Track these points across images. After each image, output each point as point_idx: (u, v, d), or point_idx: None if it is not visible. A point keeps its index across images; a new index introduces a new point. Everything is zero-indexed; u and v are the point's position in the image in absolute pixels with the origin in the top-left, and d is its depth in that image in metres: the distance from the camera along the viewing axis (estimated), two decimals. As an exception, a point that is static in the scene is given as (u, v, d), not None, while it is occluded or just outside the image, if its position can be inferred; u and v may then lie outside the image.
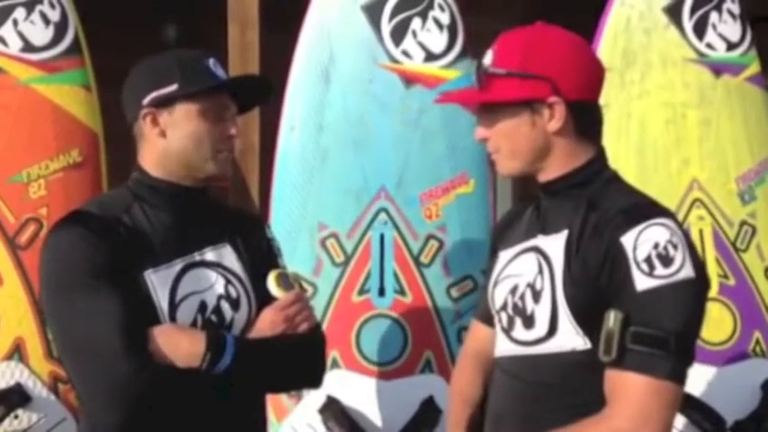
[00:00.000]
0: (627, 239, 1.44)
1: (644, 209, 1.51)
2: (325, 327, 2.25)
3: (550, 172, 1.57)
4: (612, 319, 1.42)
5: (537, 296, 1.51)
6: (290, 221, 2.32)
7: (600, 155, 1.59)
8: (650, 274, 1.42)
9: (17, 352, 2.23)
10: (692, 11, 2.49)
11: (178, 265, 1.64)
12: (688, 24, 2.50)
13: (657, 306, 1.41)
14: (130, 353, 1.53)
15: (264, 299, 1.70)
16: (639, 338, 1.41)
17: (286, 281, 1.70)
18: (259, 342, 1.65)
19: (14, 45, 2.36)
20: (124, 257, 1.60)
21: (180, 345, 1.57)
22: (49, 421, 2.22)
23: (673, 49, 2.48)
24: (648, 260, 1.42)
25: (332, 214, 2.31)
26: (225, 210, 1.80)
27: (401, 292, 2.29)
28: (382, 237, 2.30)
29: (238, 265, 1.70)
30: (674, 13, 2.49)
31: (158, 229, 1.65)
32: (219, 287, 1.66)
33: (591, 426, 1.44)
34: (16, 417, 2.18)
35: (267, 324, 1.66)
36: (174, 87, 1.65)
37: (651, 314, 1.41)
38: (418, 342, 2.28)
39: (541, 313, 1.51)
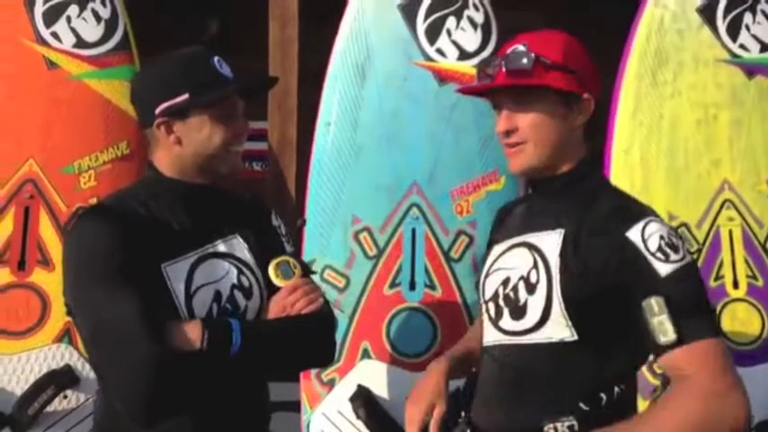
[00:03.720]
0: (633, 235, 1.47)
1: (637, 207, 1.54)
2: (356, 318, 2.21)
3: (561, 167, 1.56)
4: (655, 305, 1.44)
5: (532, 288, 1.50)
6: (325, 215, 2.25)
7: (589, 156, 1.58)
8: (667, 260, 1.46)
9: (67, 335, 2.21)
10: (726, 12, 2.37)
11: (192, 258, 1.61)
12: (721, 25, 2.37)
13: (683, 284, 1.46)
14: (150, 337, 1.50)
15: (273, 286, 1.67)
16: (686, 312, 1.44)
17: (285, 269, 1.66)
18: (263, 323, 1.62)
19: (67, 41, 2.34)
20: (142, 250, 1.57)
21: (179, 330, 1.53)
22: (96, 401, 2.22)
23: (705, 49, 2.35)
24: (661, 249, 1.46)
25: (365, 208, 2.24)
26: (234, 201, 1.74)
27: (431, 286, 2.22)
28: (414, 231, 2.23)
29: (249, 255, 1.66)
30: (707, 13, 2.36)
31: (173, 224, 1.62)
32: (233, 277, 1.63)
33: (681, 397, 1.40)
34: (65, 397, 2.17)
35: (270, 316, 1.63)
36: (184, 97, 1.60)
37: (682, 291, 1.45)
38: (447, 335, 2.20)
39: (534, 304, 1.50)
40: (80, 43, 2.34)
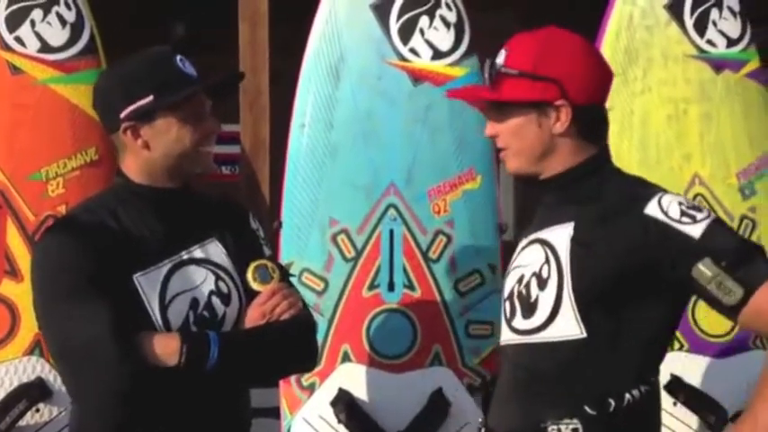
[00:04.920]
0: (651, 210, 1.42)
1: (646, 187, 1.50)
2: (335, 321, 2.15)
3: (551, 170, 1.52)
4: (706, 269, 1.37)
5: (543, 284, 1.47)
6: (302, 217, 2.19)
7: (601, 152, 1.53)
8: (695, 221, 1.40)
9: (38, 347, 2.12)
10: (693, 8, 2.36)
11: (166, 266, 1.54)
12: (689, 21, 2.36)
13: (721, 236, 1.41)
14: (123, 355, 1.44)
15: (252, 291, 1.60)
16: (739, 262, 1.38)
17: (263, 273, 1.60)
18: (242, 333, 1.56)
19: (32, 45, 2.25)
20: (112, 263, 1.50)
21: (156, 345, 1.47)
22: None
23: (674, 45, 2.34)
24: (685, 213, 1.41)
25: (342, 210, 2.18)
26: (209, 203, 1.66)
27: (410, 286, 2.17)
28: (392, 232, 2.18)
29: (227, 260, 1.60)
30: (675, 10, 2.35)
31: (145, 232, 1.55)
32: (210, 283, 1.57)
33: None
34: (37, 410, 2.09)
35: (249, 322, 1.57)
36: (149, 99, 1.53)
37: (724, 243, 1.40)
38: (427, 336, 2.16)
39: (545, 300, 1.46)
40: (45, 48, 2.25)
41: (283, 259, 2.19)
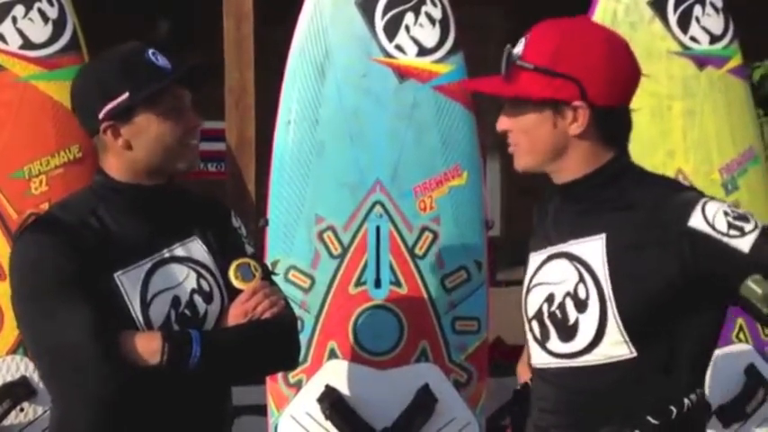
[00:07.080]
0: (696, 223, 1.33)
1: (683, 191, 1.40)
2: (322, 318, 2.15)
3: (566, 174, 1.42)
4: (755, 286, 1.30)
5: (582, 306, 1.38)
6: (288, 215, 2.18)
7: (621, 155, 1.42)
8: (743, 234, 1.33)
9: (22, 346, 2.11)
10: (677, 5, 2.38)
11: (147, 264, 1.53)
12: (672, 18, 2.39)
13: None
14: (104, 357, 1.43)
15: (234, 289, 1.59)
16: None
17: (246, 271, 1.59)
18: (224, 331, 1.55)
19: (14, 42, 2.23)
20: (92, 262, 1.49)
21: (137, 344, 1.47)
22: (55, 413, 2.13)
23: (658, 42, 2.36)
24: (732, 226, 1.33)
25: (328, 207, 2.18)
26: (191, 201, 1.65)
27: (397, 283, 2.17)
28: (378, 229, 2.17)
29: (209, 258, 1.58)
30: (658, 6, 2.37)
31: (125, 230, 1.53)
32: (192, 281, 1.55)
33: None
34: (22, 409, 2.08)
35: (231, 320, 1.57)
36: (125, 96, 1.51)
37: None
38: (414, 332, 2.16)
39: (586, 323, 1.37)
40: (27, 44, 2.24)
41: (270, 257, 2.19)
